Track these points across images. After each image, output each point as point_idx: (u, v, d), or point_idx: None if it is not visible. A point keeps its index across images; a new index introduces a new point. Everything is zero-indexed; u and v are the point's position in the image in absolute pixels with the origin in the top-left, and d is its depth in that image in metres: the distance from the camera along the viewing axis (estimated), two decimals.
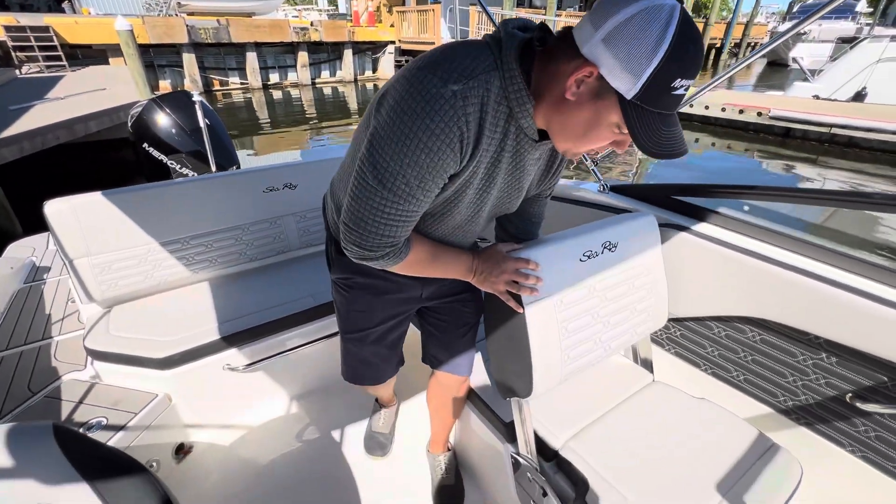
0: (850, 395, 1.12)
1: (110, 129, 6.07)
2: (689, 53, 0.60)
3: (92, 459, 0.76)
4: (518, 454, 1.23)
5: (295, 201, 2.10)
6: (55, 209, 1.62)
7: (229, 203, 1.95)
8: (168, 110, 2.89)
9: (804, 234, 1.24)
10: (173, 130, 2.88)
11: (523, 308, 0.97)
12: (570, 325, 1.06)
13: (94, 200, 1.67)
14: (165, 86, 13.41)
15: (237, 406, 1.82)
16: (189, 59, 13.15)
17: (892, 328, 1.01)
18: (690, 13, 0.73)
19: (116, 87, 7.64)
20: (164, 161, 2.89)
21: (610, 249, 1.11)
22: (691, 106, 10.65)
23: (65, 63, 10.18)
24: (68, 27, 10.87)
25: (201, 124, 2.48)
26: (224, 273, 2.02)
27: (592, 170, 1.78)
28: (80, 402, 1.52)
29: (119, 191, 1.73)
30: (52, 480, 0.70)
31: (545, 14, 15.78)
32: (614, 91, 0.64)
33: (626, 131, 0.67)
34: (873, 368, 1.08)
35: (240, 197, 1.97)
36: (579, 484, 1.09)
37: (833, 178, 7.74)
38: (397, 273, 0.93)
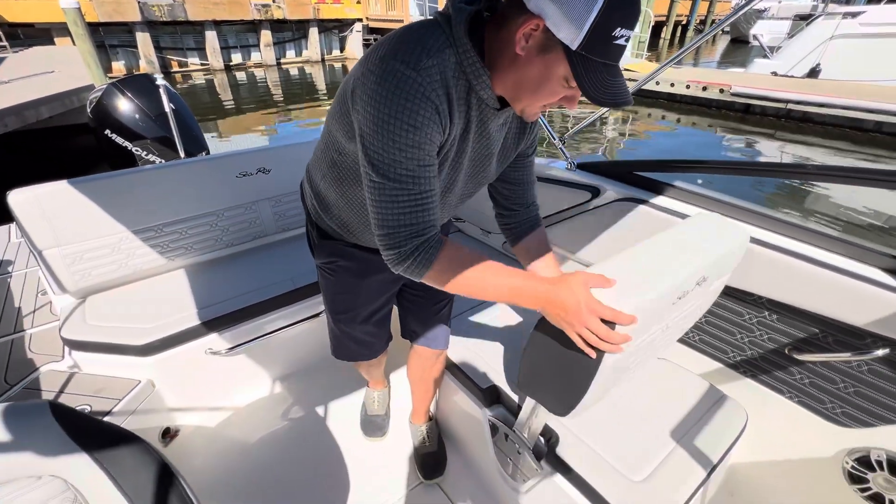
0: (788, 347, 1.25)
1: (64, 115, 5.74)
2: (626, 2, 0.64)
3: (90, 433, 0.79)
4: (495, 417, 1.32)
5: (269, 186, 2.10)
6: (19, 199, 1.58)
7: (202, 189, 1.94)
8: (130, 95, 2.78)
9: (750, 203, 1.35)
10: (137, 116, 2.78)
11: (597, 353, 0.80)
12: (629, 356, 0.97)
13: (60, 189, 1.63)
14: (119, 68, 12.66)
15: (221, 389, 1.84)
16: (143, 39, 12.43)
17: (824, 286, 1.14)
18: None
19: (66, 70, 7.18)
20: (129, 148, 2.79)
21: (699, 284, 0.93)
22: (657, 84, 10.88)
23: (5, 44, 9.47)
24: (7, 4, 10.09)
25: (167, 109, 2.41)
26: (200, 260, 2.01)
27: (560, 148, 1.86)
28: (61, 391, 1.51)
29: (86, 179, 1.69)
30: (53, 454, 0.73)
31: None
32: (560, 43, 0.67)
33: (574, 84, 0.71)
34: (808, 323, 1.20)
35: (213, 183, 1.96)
36: (551, 438, 1.19)
37: (789, 152, 8.13)
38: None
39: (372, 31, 17.97)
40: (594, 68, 0.67)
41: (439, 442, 1.62)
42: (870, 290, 1.07)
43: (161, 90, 2.38)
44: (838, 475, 1.21)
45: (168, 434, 1.67)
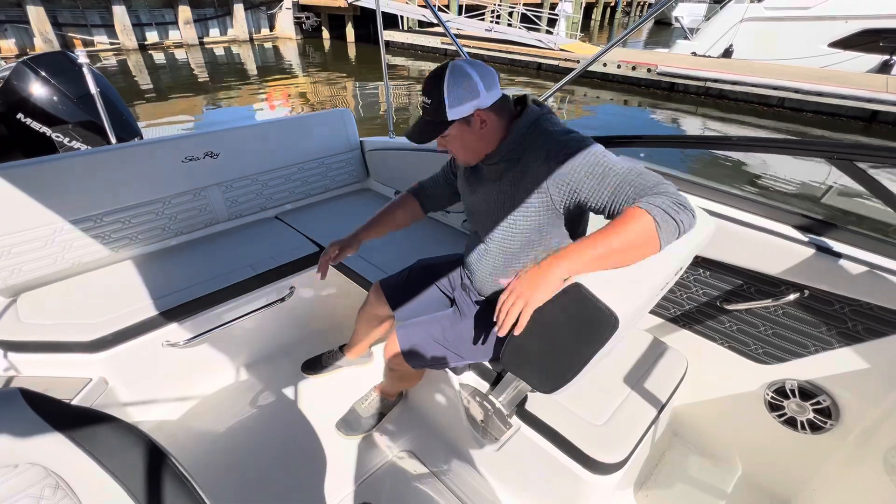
0: (719, 299, 1.41)
1: None
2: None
3: (68, 417, 0.75)
4: (469, 386, 1.37)
5: (218, 171, 2.00)
6: None
7: (146, 175, 1.81)
8: (45, 75, 2.46)
9: (681, 172, 1.50)
10: (55, 98, 2.47)
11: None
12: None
13: None
14: (9, 47, 11.09)
15: (183, 381, 1.76)
16: (37, 13, 10.92)
17: (746, 243, 1.29)
18: None
19: None
20: (48, 134, 2.49)
21: (676, 273, 1.06)
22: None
23: None
24: None
25: (92, 91, 2.18)
26: (147, 250, 1.89)
27: None
28: None
29: (9, 165, 1.53)
30: (29, 440, 0.70)
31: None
32: None
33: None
34: (734, 276, 1.36)
35: (157, 168, 1.83)
36: (518, 395, 1.27)
37: (710, 128, 8.86)
38: None
39: (303, 7, 17.01)
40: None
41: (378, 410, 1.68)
42: (783, 243, 1.23)
43: (84, 69, 2.14)
44: (761, 406, 1.41)
45: None
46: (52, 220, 1.62)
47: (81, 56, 2.19)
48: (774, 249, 1.24)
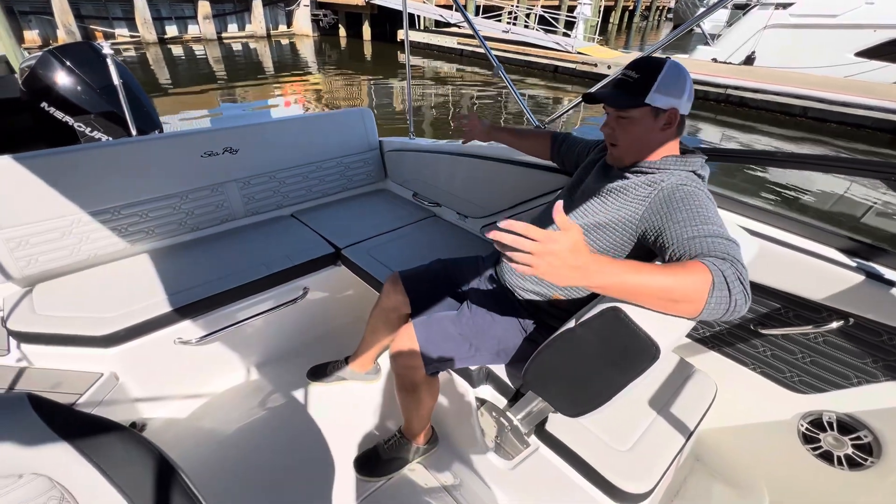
0: (753, 322, 1.34)
1: None
2: None
3: (74, 425, 0.72)
4: (486, 399, 1.32)
5: (237, 166, 1.98)
6: None
7: (164, 169, 1.79)
8: (70, 64, 2.46)
9: (723, 189, 1.44)
10: (79, 88, 2.47)
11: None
12: None
13: (1, 166, 1.46)
14: (33, 38, 11.28)
15: (193, 380, 1.74)
16: (60, 6, 11.10)
17: (786, 265, 1.23)
18: None
19: None
20: (71, 123, 2.50)
21: None
22: (609, 67, 11.23)
23: None
24: None
25: (115, 82, 2.17)
26: (163, 245, 1.87)
27: (525, 110, 1.93)
28: (11, 387, 1.37)
29: (32, 155, 1.52)
30: (35, 449, 0.67)
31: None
32: None
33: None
34: (771, 299, 1.29)
35: (176, 162, 1.82)
36: (538, 415, 1.20)
37: (730, 136, 8.71)
38: None
39: (321, 5, 17.10)
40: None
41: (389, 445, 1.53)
42: (828, 268, 1.16)
43: (108, 60, 2.13)
44: (793, 437, 1.33)
45: (135, 429, 1.57)
46: (71, 211, 1.61)
47: (106, 47, 2.19)
48: (818, 273, 1.17)
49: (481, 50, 14.45)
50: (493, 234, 0.75)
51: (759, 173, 6.42)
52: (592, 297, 1.11)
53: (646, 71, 1.04)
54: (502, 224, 0.74)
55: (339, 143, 2.29)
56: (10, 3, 10.45)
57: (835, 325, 1.16)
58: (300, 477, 1.48)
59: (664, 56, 1.08)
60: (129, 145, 1.73)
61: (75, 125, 2.48)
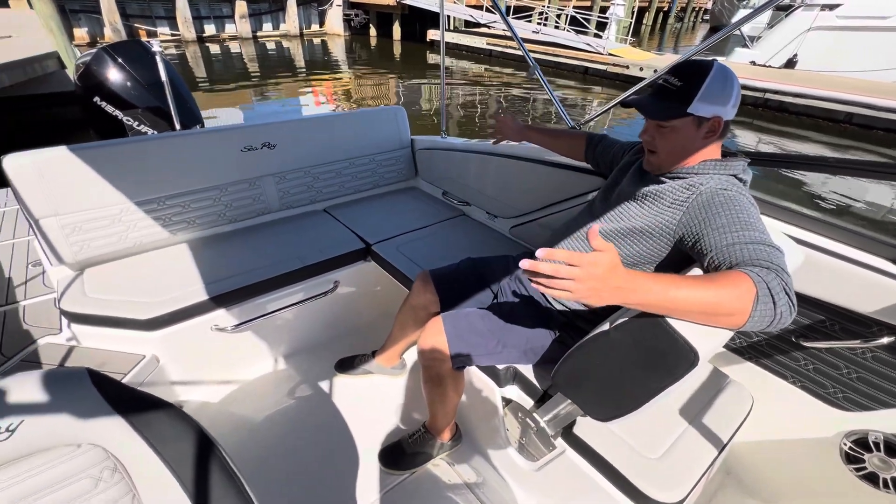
0: (794, 334, 1.29)
1: (28, 84, 5.36)
2: None
3: (128, 401, 0.77)
4: (512, 399, 1.32)
5: (274, 161, 2.03)
6: (16, 164, 1.48)
7: (207, 162, 1.86)
8: (121, 61, 2.60)
9: (768, 195, 1.39)
10: (128, 84, 2.61)
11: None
12: None
13: (59, 156, 1.54)
14: (81, 35, 11.86)
15: (227, 366, 1.80)
16: (108, 5, 11.64)
17: (832, 275, 1.18)
18: None
19: (25, 35, 6.69)
20: (120, 117, 2.63)
21: None
22: (640, 70, 11.00)
23: None
24: None
25: (163, 79, 2.27)
26: (202, 235, 1.94)
27: (561, 111, 1.91)
28: (61, 364, 1.45)
29: (87, 146, 1.60)
30: (93, 422, 0.71)
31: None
32: None
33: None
34: (815, 310, 1.22)
35: (217, 156, 1.89)
36: (566, 417, 1.18)
37: (768, 142, 8.40)
38: None
39: (353, 5, 17.35)
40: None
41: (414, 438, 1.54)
42: (877, 279, 1.10)
43: (157, 58, 2.24)
44: (835, 455, 1.27)
45: None
46: (120, 200, 1.69)
47: (155, 45, 2.29)
48: (868, 285, 1.12)
49: (510, 50, 14.43)
50: (528, 265, 0.72)
51: (805, 179, 6.16)
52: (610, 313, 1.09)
53: (689, 77, 0.99)
54: (540, 254, 0.73)
55: (372, 141, 2.33)
56: (62, 2, 11.01)
57: (885, 340, 1.10)
58: (326, 465, 1.52)
59: (710, 59, 1.03)
60: (175, 139, 1.81)
61: (124, 119, 2.61)
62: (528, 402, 1.28)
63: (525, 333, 1.25)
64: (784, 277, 0.77)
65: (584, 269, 0.71)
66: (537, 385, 1.26)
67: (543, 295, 1.28)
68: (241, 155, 1.93)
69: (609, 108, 1.85)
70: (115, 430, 0.72)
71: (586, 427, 1.16)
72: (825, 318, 1.22)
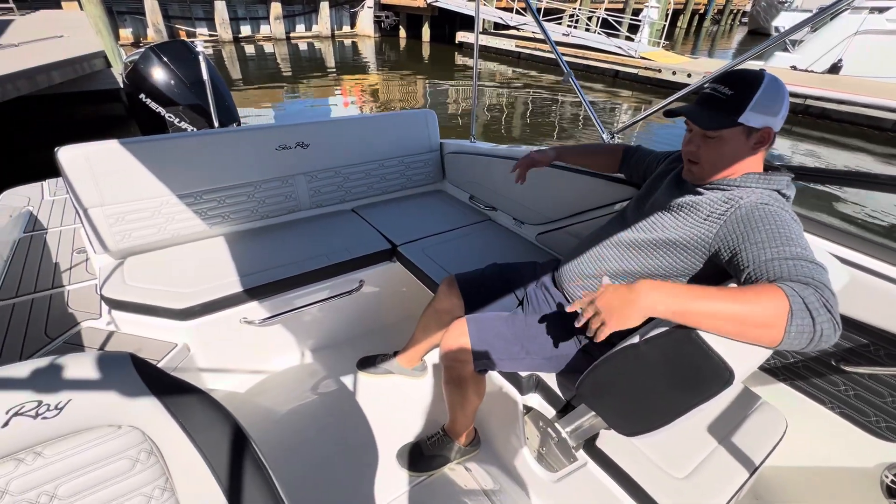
0: (834, 358, 1.23)
1: (77, 81, 5.64)
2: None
3: (166, 385, 0.79)
4: (534, 408, 1.30)
5: (307, 160, 2.08)
6: (69, 156, 1.57)
7: (243, 159, 1.93)
8: (167, 60, 2.73)
9: (811, 212, 1.32)
10: (172, 82, 2.73)
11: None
12: None
13: (108, 149, 1.63)
14: (126, 35, 12.41)
15: (254, 358, 1.85)
16: (151, 6, 12.15)
17: (877, 297, 1.11)
18: None
19: (76, 35, 7.03)
20: (162, 113, 2.76)
21: None
22: (674, 74, 10.72)
23: (12, 6, 9.22)
24: None
25: (205, 77, 2.37)
26: (236, 229, 2.01)
27: (595, 119, 1.88)
28: (101, 348, 1.53)
29: (133, 140, 1.68)
30: (134, 405, 0.74)
31: None
32: None
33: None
34: (858, 333, 1.17)
35: (253, 153, 1.95)
36: (589, 430, 1.16)
37: (808, 150, 8.05)
38: None
39: (384, 7, 17.55)
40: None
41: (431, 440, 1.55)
42: None
43: (200, 58, 2.34)
44: (875, 488, 1.20)
45: None
46: (161, 193, 1.77)
47: (199, 45, 2.39)
48: None
49: (539, 52, 14.31)
50: (580, 322, 0.90)
51: (852, 196, 5.87)
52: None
53: (741, 87, 0.96)
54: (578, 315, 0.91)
55: (402, 143, 2.35)
56: (109, 4, 11.55)
57: None
58: (346, 460, 1.54)
59: (759, 69, 1.00)
60: (214, 136, 1.88)
61: (166, 115, 2.73)
62: (549, 412, 1.26)
63: (550, 341, 1.24)
64: (825, 294, 0.74)
65: (599, 302, 0.85)
66: (560, 395, 1.24)
67: (572, 302, 1.27)
68: (275, 153, 1.99)
69: (649, 115, 1.81)
70: (153, 414, 0.75)
71: (610, 441, 1.14)
72: (869, 343, 1.16)
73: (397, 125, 2.33)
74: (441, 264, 1.82)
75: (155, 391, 0.76)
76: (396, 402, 1.77)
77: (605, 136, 1.89)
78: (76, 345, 1.53)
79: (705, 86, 1.04)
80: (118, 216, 1.70)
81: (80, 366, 0.74)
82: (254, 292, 1.66)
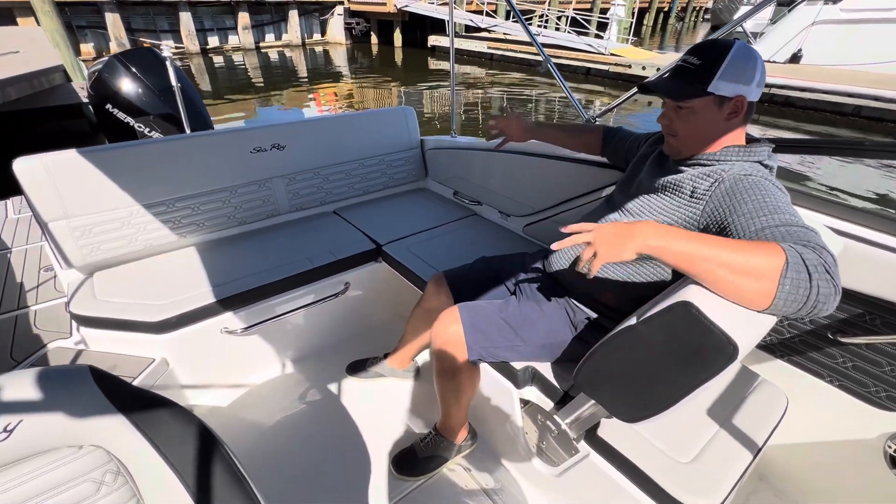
0: (830, 330, 1.20)
1: (35, 97, 5.40)
2: None
3: (132, 400, 0.73)
4: (531, 400, 1.27)
5: (283, 163, 2.02)
6: (26, 167, 1.48)
7: (216, 164, 1.85)
8: (133, 69, 2.62)
9: (802, 185, 1.33)
10: (140, 90, 2.63)
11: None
12: None
13: (68, 158, 1.54)
14: (88, 50, 12.02)
15: (236, 369, 1.78)
16: (113, 20, 11.80)
17: (870, 265, 1.10)
18: None
19: (33, 50, 6.75)
20: (131, 124, 2.65)
21: None
22: (643, 68, 10.97)
23: None
24: None
25: (173, 84, 2.28)
26: (212, 237, 1.93)
27: (575, 103, 1.88)
28: None
29: (96, 149, 1.60)
30: (96, 422, 0.68)
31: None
32: None
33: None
34: (852, 304, 1.15)
35: (226, 157, 1.87)
36: (590, 419, 1.13)
37: (773, 135, 8.28)
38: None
39: (353, 13, 17.48)
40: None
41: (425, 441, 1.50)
42: None
43: (167, 63, 2.25)
44: (878, 459, 1.19)
45: None
46: (129, 203, 1.68)
47: (165, 50, 2.30)
48: None
49: (511, 53, 14.45)
50: (557, 245, 0.89)
51: (837, 167, 6.00)
52: (647, 297, 1.04)
53: (708, 56, 0.96)
54: (556, 246, 0.90)
55: (381, 142, 2.31)
56: (68, 18, 11.17)
57: None
58: (338, 471, 1.48)
59: (732, 38, 1.00)
60: (183, 141, 1.80)
61: (135, 125, 2.63)
62: (547, 404, 1.23)
63: (544, 328, 1.21)
64: (823, 255, 0.72)
65: (594, 232, 0.85)
66: (557, 386, 1.21)
67: (564, 288, 1.25)
68: (250, 156, 1.92)
69: (626, 98, 1.81)
70: (117, 431, 0.68)
71: (611, 429, 1.11)
72: (864, 312, 1.15)
73: (376, 123, 2.29)
74: (428, 262, 1.78)
75: (119, 405, 0.69)
76: (387, 406, 1.71)
77: (585, 117, 1.89)
78: (44, 366, 1.43)
79: (678, 60, 1.03)
80: (84, 229, 1.61)
81: (30, 382, 0.67)
82: (234, 300, 1.59)
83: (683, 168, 1.04)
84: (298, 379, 1.85)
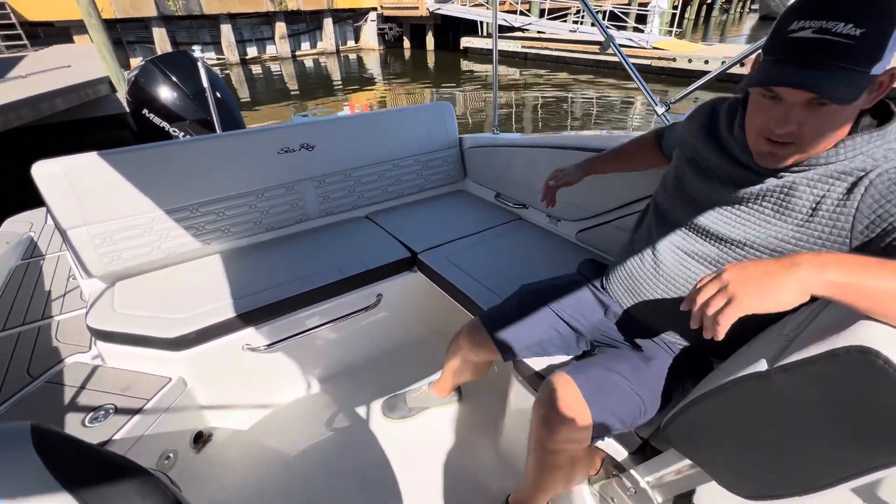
0: None
1: (82, 108, 5.64)
2: None
3: (79, 466, 0.57)
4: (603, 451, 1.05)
5: (312, 164, 1.89)
6: (45, 172, 1.40)
7: (242, 165, 1.74)
8: (168, 72, 2.60)
9: None
10: (175, 94, 2.60)
11: None
12: None
13: (88, 161, 1.46)
14: (137, 63, 12.69)
15: (259, 390, 1.64)
16: (160, 34, 12.38)
17: None
18: None
19: (82, 64, 7.11)
20: (167, 129, 2.62)
21: None
22: (689, 61, 10.38)
23: (26, 42, 9.44)
24: (26, 3, 10.06)
25: (205, 85, 2.21)
26: (238, 245, 1.82)
27: (663, 115, 1.62)
28: (83, 387, 1.34)
29: (117, 151, 1.51)
30: (29, 497, 0.52)
31: None
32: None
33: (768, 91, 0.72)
34: None
35: (252, 159, 1.76)
36: (683, 482, 0.88)
37: None
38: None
39: (387, 19, 17.64)
40: (763, 65, 0.73)
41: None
42: None
43: (199, 64, 2.18)
44: None
45: (201, 439, 1.48)
46: (152, 208, 1.59)
47: (197, 51, 2.24)
48: None
49: (545, 52, 14.12)
50: (694, 322, 0.65)
51: None
52: (763, 324, 0.79)
53: (876, 16, 0.62)
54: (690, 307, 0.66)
55: (417, 141, 2.14)
56: (119, 35, 11.81)
57: None
58: None
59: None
60: (208, 141, 1.70)
61: (172, 131, 2.59)
62: (621, 453, 1.00)
63: (650, 372, 0.94)
64: None
65: (727, 273, 0.62)
66: (633, 433, 0.97)
67: (645, 323, 1.01)
68: (277, 157, 1.80)
69: (712, 77, 1.57)
70: None
71: (712, 499, 0.85)
72: None
73: (411, 121, 2.12)
74: (468, 272, 1.59)
75: (64, 479, 0.53)
76: (426, 437, 1.52)
77: (658, 108, 1.65)
78: (58, 384, 1.34)
79: (795, 28, 0.67)
80: (104, 236, 1.52)
81: None
82: (257, 314, 1.45)
83: (785, 172, 0.78)
84: (327, 401, 1.69)
